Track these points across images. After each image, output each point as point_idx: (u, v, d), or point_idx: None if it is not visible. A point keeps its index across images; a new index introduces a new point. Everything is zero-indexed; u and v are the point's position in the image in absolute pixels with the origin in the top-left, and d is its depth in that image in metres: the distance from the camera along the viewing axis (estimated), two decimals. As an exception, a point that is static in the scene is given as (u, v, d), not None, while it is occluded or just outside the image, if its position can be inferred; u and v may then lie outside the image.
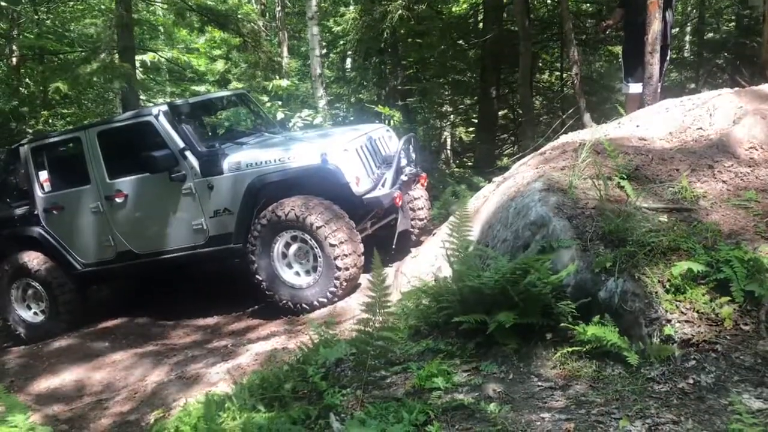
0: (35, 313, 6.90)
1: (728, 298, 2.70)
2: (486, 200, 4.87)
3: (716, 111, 4.27)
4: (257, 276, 5.84)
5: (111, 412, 4.73)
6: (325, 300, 5.67)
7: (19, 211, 6.94)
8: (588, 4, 13.59)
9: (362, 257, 5.68)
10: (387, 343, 3.04)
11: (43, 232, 6.78)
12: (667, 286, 2.79)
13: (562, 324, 2.82)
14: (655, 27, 5.74)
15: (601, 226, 3.16)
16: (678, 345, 2.64)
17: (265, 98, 10.25)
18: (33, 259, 6.75)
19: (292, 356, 3.81)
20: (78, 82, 10.60)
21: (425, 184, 7.00)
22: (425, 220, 7.01)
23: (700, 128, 4.24)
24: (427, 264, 5.01)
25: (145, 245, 6.46)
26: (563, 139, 4.78)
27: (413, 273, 4.59)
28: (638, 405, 2.37)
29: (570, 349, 2.75)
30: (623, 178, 3.57)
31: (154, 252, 6.45)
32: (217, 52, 18.24)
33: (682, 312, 2.71)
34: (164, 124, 6.18)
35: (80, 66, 10.32)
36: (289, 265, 5.83)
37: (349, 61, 15.79)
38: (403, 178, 6.21)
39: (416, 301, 3.73)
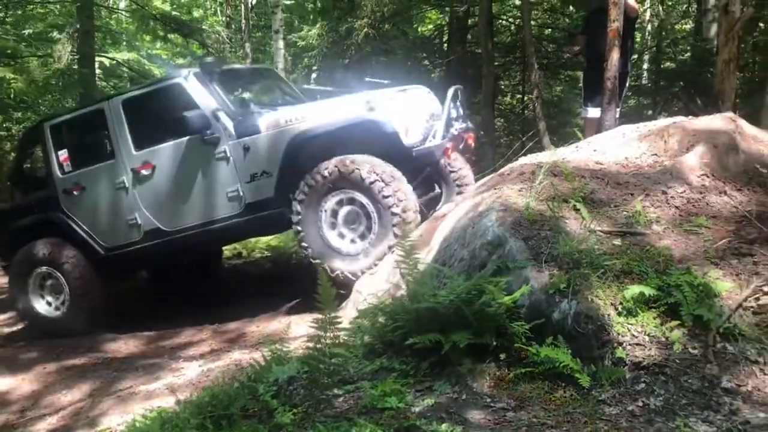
0: (55, 308, 6.40)
1: (678, 322, 2.74)
2: (445, 218, 4.88)
3: (670, 138, 4.37)
4: (303, 244, 5.47)
5: (37, 429, 4.52)
6: (379, 261, 5.21)
7: (37, 197, 6.50)
8: (549, 30, 13.88)
9: (418, 216, 5.31)
10: (340, 361, 3.00)
11: (62, 216, 6.28)
12: (620, 309, 2.82)
13: (516, 345, 2.83)
14: (614, 54, 5.87)
15: (556, 248, 3.19)
16: (629, 368, 2.66)
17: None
18: (53, 247, 6.27)
19: (243, 373, 3.73)
20: (34, 85, 10.35)
21: (474, 143, 6.43)
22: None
23: (655, 154, 4.33)
24: (384, 281, 4.99)
25: (174, 220, 5.94)
26: (522, 160, 4.82)
27: (370, 290, 4.56)
28: (588, 427, 2.38)
29: (523, 370, 2.75)
30: (579, 201, 3.61)
31: (184, 228, 5.92)
32: (181, 60, 18.09)
33: (633, 335, 2.74)
34: (195, 85, 5.77)
35: (37, 69, 10.10)
36: (340, 232, 5.44)
37: (314, 76, 15.81)
38: (453, 131, 5.74)
39: (372, 318, 3.69)
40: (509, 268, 3.15)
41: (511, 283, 3.05)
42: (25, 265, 6.40)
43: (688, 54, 12.72)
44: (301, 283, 5.62)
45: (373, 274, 5.13)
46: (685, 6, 16.08)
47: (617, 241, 3.30)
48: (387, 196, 5.18)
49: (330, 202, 5.39)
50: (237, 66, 8.05)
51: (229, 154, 5.65)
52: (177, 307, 6.28)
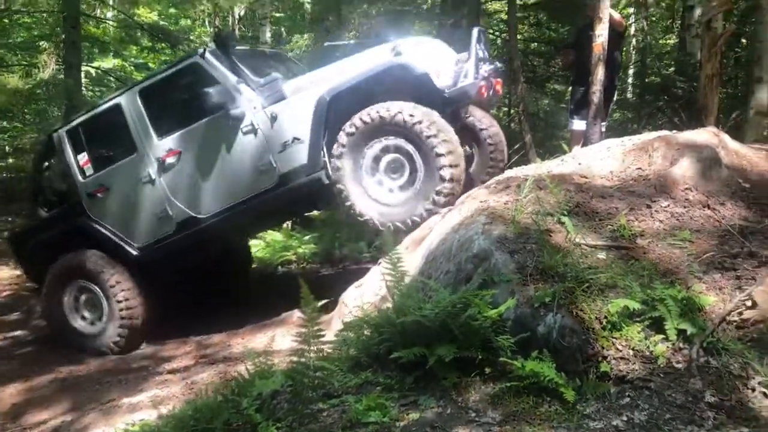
0: (90, 322, 6.10)
1: (662, 336, 2.75)
2: (431, 231, 4.87)
3: (655, 152, 4.40)
4: (345, 201, 5.25)
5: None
6: (418, 219, 5.05)
7: (61, 208, 6.25)
8: (536, 44, 13.98)
9: (463, 162, 5.14)
10: (325, 375, 2.99)
11: (89, 221, 6.03)
12: (604, 323, 2.83)
13: (501, 358, 2.82)
14: (599, 69, 5.93)
15: (542, 261, 3.19)
16: (613, 382, 2.67)
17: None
18: (86, 257, 5.97)
19: (227, 386, 3.69)
20: (18, 96, 10.28)
21: (501, 89, 6.16)
22: (503, 164, 6.09)
23: (640, 168, 4.36)
24: (371, 293, 4.97)
25: (207, 205, 5.69)
26: (508, 173, 4.84)
27: (356, 302, 4.54)
28: (573, 442, 2.38)
29: (508, 384, 2.74)
30: (564, 215, 3.62)
31: (218, 211, 5.66)
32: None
33: (617, 349, 2.75)
34: (212, 62, 5.59)
35: (22, 79, 10.03)
36: (380, 182, 5.26)
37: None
38: (483, 72, 5.48)
39: (358, 331, 3.68)
40: (495, 282, 3.16)
41: (497, 297, 3.05)
42: (58, 280, 6.13)
43: (672, 68, 12.86)
44: (287, 295, 5.59)
45: (359, 286, 5.11)
46: (669, 21, 16.28)
47: (602, 255, 3.32)
48: (429, 137, 4.99)
49: (371, 152, 5.20)
50: (250, 48, 7.83)
51: (256, 126, 5.46)
52: (160, 319, 6.19)
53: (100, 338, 6.04)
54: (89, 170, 6.10)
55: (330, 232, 8.68)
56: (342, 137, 5.20)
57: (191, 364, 5.45)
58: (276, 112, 5.43)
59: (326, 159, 5.34)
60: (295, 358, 2.95)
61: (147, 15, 16.21)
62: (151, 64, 17.56)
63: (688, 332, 2.73)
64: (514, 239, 3.41)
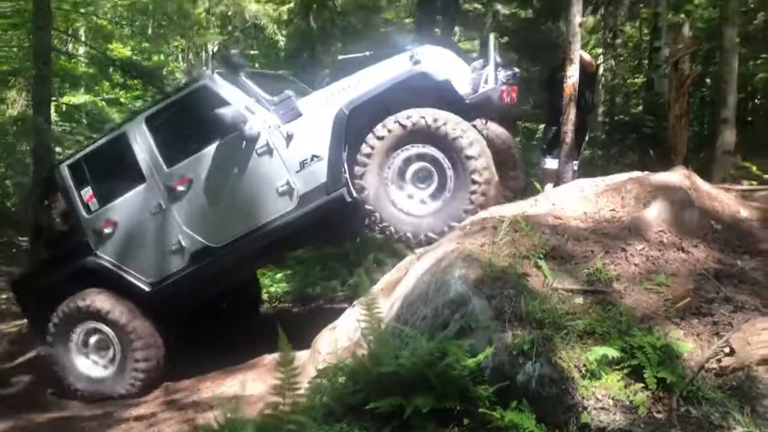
0: (103, 366, 5.77)
1: (642, 384, 2.72)
2: (406, 273, 4.82)
3: (628, 194, 4.43)
4: (367, 207, 5.04)
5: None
6: (457, 223, 4.80)
7: (64, 248, 5.95)
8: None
9: (495, 177, 4.99)
10: (298, 428, 2.88)
11: (96, 260, 5.74)
12: (583, 371, 2.79)
13: (480, 409, 2.75)
14: (571, 109, 6.00)
15: (519, 307, 3.15)
16: (594, 433, 2.61)
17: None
18: (94, 297, 5.66)
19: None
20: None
21: (516, 97, 5.92)
22: (521, 182, 5.98)
23: (613, 210, 4.38)
24: (345, 337, 4.88)
25: (222, 233, 5.41)
26: (483, 214, 4.82)
27: (330, 347, 4.44)
28: (555, 498, 2.31)
29: (488, 436, 2.67)
30: (540, 258, 3.60)
31: (234, 239, 5.38)
32: (140, 103, 17.94)
33: (597, 398, 2.70)
34: (222, 84, 5.42)
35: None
36: (403, 188, 5.06)
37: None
38: (501, 78, 5.36)
39: (332, 378, 3.58)
40: (472, 329, 3.10)
41: (475, 345, 2.99)
42: (65, 324, 5.79)
43: (641, 107, 13.13)
44: (259, 336, 5.47)
45: (333, 329, 5.01)
46: (637, 61, 16.69)
47: (579, 300, 3.29)
48: (471, 157, 4.82)
49: (397, 160, 5.03)
50: (259, 71, 7.70)
51: (272, 146, 5.25)
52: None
53: (113, 382, 5.73)
54: (94, 205, 5.83)
55: (303, 270, 8.58)
56: (364, 153, 5.05)
57: (158, 410, 5.27)
58: (292, 130, 5.25)
59: (347, 175, 5.15)
60: (267, 411, 2.84)
61: (120, 50, 16.16)
62: (122, 100, 17.49)
63: (668, 381, 2.69)
64: (491, 284, 3.37)
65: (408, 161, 5.06)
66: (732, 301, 3.13)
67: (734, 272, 3.47)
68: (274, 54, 16.78)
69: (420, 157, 5.03)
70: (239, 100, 5.33)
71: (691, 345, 2.88)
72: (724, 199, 4.52)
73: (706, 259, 3.65)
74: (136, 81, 12.76)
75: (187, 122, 5.67)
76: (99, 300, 5.70)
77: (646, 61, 14.41)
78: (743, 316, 3.00)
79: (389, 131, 4.98)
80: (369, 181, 5.07)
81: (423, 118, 4.91)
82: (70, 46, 15.29)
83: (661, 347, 2.79)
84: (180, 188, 5.49)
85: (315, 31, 13.66)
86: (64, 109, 14.17)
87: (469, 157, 4.86)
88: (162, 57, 19.92)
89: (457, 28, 14.24)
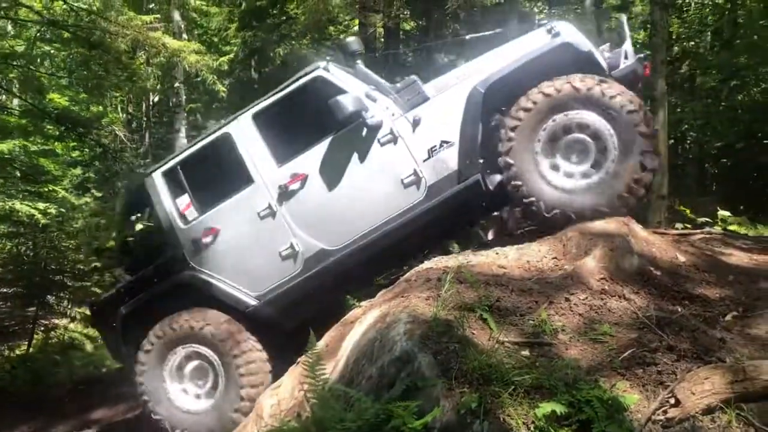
0: (197, 396, 5.18)
1: (591, 439, 2.67)
2: (353, 327, 4.72)
3: (569, 242, 4.48)
4: (514, 183, 4.64)
5: None
6: (609, 208, 4.45)
7: (155, 265, 5.46)
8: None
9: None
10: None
11: (194, 274, 5.25)
12: (532, 429, 2.73)
13: (428, 472, 2.66)
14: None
15: (466, 362, 3.09)
16: (545, 493, 2.54)
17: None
18: (196, 317, 5.13)
19: None
20: None
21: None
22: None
23: (555, 258, 4.41)
24: (289, 396, 4.71)
25: (340, 234, 4.99)
26: (427, 264, 4.79)
27: (273, 410, 4.27)
28: None
29: (437, 502, 2.57)
30: (485, 310, 3.57)
31: (353, 240, 4.96)
32: (75, 153, 17.47)
33: (547, 457, 2.64)
34: (338, 73, 5.08)
35: None
36: (556, 167, 4.64)
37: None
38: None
39: (275, 443, 3.44)
40: (419, 387, 3.02)
41: (422, 405, 2.91)
42: (159, 349, 5.24)
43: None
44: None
45: (276, 388, 4.84)
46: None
47: (525, 352, 3.26)
48: (644, 135, 4.41)
49: (547, 131, 4.60)
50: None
51: (396, 134, 4.90)
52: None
53: (213, 415, 5.13)
54: (192, 214, 5.40)
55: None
56: (510, 127, 4.67)
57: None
58: (418, 115, 4.90)
59: (482, 160, 4.81)
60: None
61: (58, 99, 15.75)
62: (58, 150, 16.98)
63: (617, 435, 2.66)
64: (437, 338, 3.31)
65: (560, 132, 4.64)
66: (675, 349, 3.14)
67: (675, 319, 3.51)
68: (215, 105, 16.70)
69: (573, 126, 4.61)
70: (358, 88, 5.01)
71: (637, 396, 2.86)
72: (661, 245, 4.62)
73: (647, 307, 3.68)
74: (72, 132, 12.39)
75: (299, 116, 5.30)
76: (202, 319, 5.20)
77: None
78: (686, 365, 3.01)
79: (534, 102, 4.63)
80: (516, 156, 4.66)
81: (569, 83, 4.56)
82: (3, 97, 14.84)
83: (607, 400, 2.76)
84: (293, 187, 5.09)
85: (257, 81, 13.69)
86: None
87: (631, 112, 4.45)
88: (101, 108, 19.55)
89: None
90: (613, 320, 3.52)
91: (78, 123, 11.47)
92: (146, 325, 5.34)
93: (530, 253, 4.58)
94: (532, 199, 4.65)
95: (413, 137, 4.91)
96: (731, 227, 7.78)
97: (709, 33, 15.84)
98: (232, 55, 14.38)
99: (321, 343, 4.65)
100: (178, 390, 5.29)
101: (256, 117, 5.33)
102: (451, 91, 4.90)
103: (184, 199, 5.46)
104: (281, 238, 5.12)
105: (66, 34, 10.99)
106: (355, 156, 4.99)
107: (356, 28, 13.68)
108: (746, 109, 13.52)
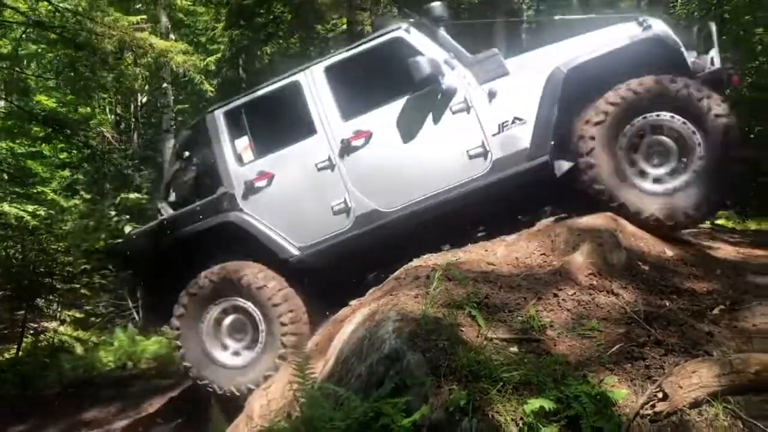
0: (234, 352, 5.08)
1: (579, 435, 2.68)
2: (342, 326, 4.71)
3: (557, 237, 4.50)
4: (596, 187, 4.54)
5: None
6: (696, 211, 4.45)
7: (201, 203, 5.30)
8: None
9: None
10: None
11: (242, 215, 5.13)
12: (521, 425, 2.72)
13: (417, 470, 2.65)
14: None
15: (455, 360, 3.09)
16: (534, 490, 2.54)
17: (113, 212, 9.71)
18: (241, 266, 5.01)
19: None
20: None
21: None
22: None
23: (544, 254, 4.42)
24: (280, 396, 4.69)
25: (396, 197, 4.91)
26: (416, 262, 4.78)
27: (263, 411, 4.26)
28: None
29: (426, 500, 2.57)
30: (474, 308, 3.57)
31: (408, 204, 4.88)
32: (63, 155, 17.34)
33: (536, 452, 2.64)
34: (419, 37, 5.01)
35: None
36: (641, 171, 4.56)
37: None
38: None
39: (265, 444, 3.42)
40: (408, 385, 3.01)
41: (411, 402, 2.90)
42: (199, 299, 5.10)
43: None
44: (185, 400, 5.20)
45: (267, 388, 4.83)
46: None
47: (514, 349, 3.26)
48: (714, 108, 4.37)
49: (632, 131, 4.54)
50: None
51: (470, 104, 4.81)
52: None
53: (249, 372, 5.04)
54: (248, 156, 5.32)
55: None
56: (593, 122, 4.58)
57: None
58: (495, 88, 4.81)
59: (553, 143, 4.71)
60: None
61: (45, 101, 15.64)
62: (46, 152, 16.86)
63: (604, 430, 2.66)
64: (425, 336, 3.30)
65: (645, 131, 4.60)
66: (662, 344, 3.15)
67: (663, 313, 3.52)
68: (203, 106, 16.63)
69: (660, 128, 4.55)
70: (438, 54, 4.94)
71: (625, 391, 2.87)
72: (649, 240, 4.63)
73: (635, 302, 3.69)
74: (59, 134, 12.30)
75: (371, 74, 5.25)
76: (246, 269, 5.09)
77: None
78: (674, 359, 3.02)
79: (622, 98, 4.55)
80: (599, 156, 4.57)
81: (659, 82, 4.48)
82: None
83: (596, 395, 2.77)
84: (355, 143, 5.02)
85: (245, 80, 13.64)
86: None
87: (719, 116, 4.39)
88: (89, 109, 19.43)
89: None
90: (601, 315, 3.52)
91: (65, 125, 11.40)
92: (182, 267, 5.25)
93: (519, 249, 4.59)
94: (620, 203, 4.58)
95: (486, 109, 4.83)
96: (719, 221, 7.83)
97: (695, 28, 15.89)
98: (219, 55, 14.32)
99: (311, 342, 4.65)
100: (218, 347, 5.20)
101: (328, 70, 5.26)
102: (532, 69, 4.82)
103: (243, 141, 5.40)
104: (335, 193, 5.06)
105: (52, 35, 10.90)
106: (424, 120, 4.92)
107: (344, 26, 13.66)
108: (733, 104, 13.58)
